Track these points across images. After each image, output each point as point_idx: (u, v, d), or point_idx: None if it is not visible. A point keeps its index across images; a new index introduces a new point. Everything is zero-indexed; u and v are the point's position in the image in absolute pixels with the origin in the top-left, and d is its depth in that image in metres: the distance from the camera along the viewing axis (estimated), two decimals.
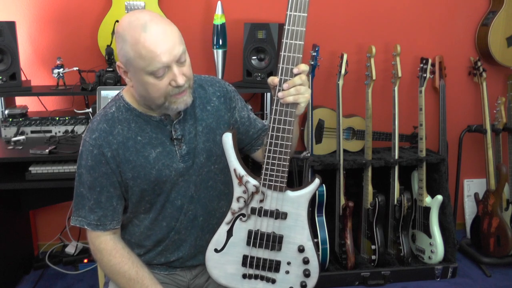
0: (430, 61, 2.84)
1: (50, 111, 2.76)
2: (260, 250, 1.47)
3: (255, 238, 1.46)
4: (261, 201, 1.44)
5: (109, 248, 1.50)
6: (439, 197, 2.77)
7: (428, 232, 2.80)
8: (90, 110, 2.57)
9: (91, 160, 1.46)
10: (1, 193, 2.43)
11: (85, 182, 1.48)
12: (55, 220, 2.99)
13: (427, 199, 2.80)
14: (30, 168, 2.22)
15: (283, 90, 1.34)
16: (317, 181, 1.45)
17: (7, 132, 2.49)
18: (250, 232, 1.46)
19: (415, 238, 2.91)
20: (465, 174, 3.29)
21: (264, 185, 1.42)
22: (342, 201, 2.75)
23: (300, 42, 1.34)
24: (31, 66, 2.81)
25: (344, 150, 2.80)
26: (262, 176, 1.42)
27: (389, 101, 2.81)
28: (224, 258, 1.48)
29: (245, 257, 1.48)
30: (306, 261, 1.50)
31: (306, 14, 1.33)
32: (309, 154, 1.86)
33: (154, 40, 1.32)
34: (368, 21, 3.04)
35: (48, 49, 2.81)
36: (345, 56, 2.70)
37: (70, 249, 2.94)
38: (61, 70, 2.61)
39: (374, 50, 2.73)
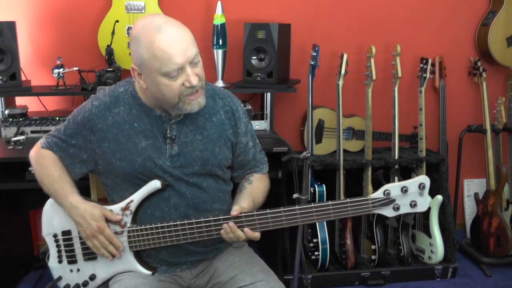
0: (430, 61, 2.84)
1: (50, 111, 2.76)
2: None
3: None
4: (116, 233, 1.55)
5: (47, 155, 1.59)
6: (439, 197, 2.77)
7: (428, 232, 2.80)
8: None
9: (80, 119, 1.56)
10: (1, 193, 2.42)
11: (67, 129, 1.58)
12: None
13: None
14: (30, 168, 2.20)
15: (228, 224, 1.48)
16: None
17: (7, 132, 2.49)
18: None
19: (415, 238, 2.91)
20: (465, 174, 3.29)
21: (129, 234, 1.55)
22: None
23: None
24: (31, 66, 2.81)
25: (344, 150, 2.80)
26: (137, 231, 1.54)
27: (389, 101, 2.81)
28: (66, 215, 1.58)
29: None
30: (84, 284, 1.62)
31: None
32: (309, 154, 1.86)
33: (169, 41, 1.36)
34: (368, 21, 3.04)
35: (48, 49, 2.80)
36: (345, 56, 2.70)
37: None
38: (61, 70, 2.61)
39: (374, 50, 2.73)
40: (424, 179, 1.43)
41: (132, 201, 1.54)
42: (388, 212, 1.45)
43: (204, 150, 1.55)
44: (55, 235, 1.60)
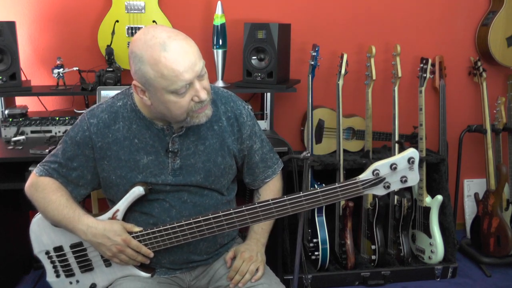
0: (430, 61, 2.83)
1: (50, 111, 2.76)
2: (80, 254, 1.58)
3: (82, 251, 1.57)
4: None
5: (47, 182, 1.53)
6: (439, 197, 2.77)
7: (428, 232, 2.80)
8: None
9: (80, 138, 1.49)
10: (1, 193, 2.42)
11: (66, 151, 1.51)
12: None
13: (427, 199, 2.80)
14: (30, 168, 2.21)
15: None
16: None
17: (7, 132, 2.49)
18: (80, 243, 1.56)
19: (415, 238, 2.91)
20: (465, 174, 3.29)
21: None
22: (342, 201, 2.75)
23: None
24: (31, 66, 2.81)
25: (344, 150, 2.80)
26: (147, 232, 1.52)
27: (389, 101, 2.80)
28: (54, 231, 1.56)
29: (74, 245, 1.57)
30: None
31: None
32: (309, 154, 1.85)
33: (176, 58, 1.30)
34: (368, 21, 3.04)
35: (48, 49, 2.80)
36: (345, 56, 2.70)
37: None
38: (61, 70, 2.61)
39: (374, 50, 2.73)
40: (413, 153, 1.36)
41: (118, 210, 1.51)
42: (379, 191, 1.39)
43: (206, 161, 1.52)
44: (47, 252, 1.58)
